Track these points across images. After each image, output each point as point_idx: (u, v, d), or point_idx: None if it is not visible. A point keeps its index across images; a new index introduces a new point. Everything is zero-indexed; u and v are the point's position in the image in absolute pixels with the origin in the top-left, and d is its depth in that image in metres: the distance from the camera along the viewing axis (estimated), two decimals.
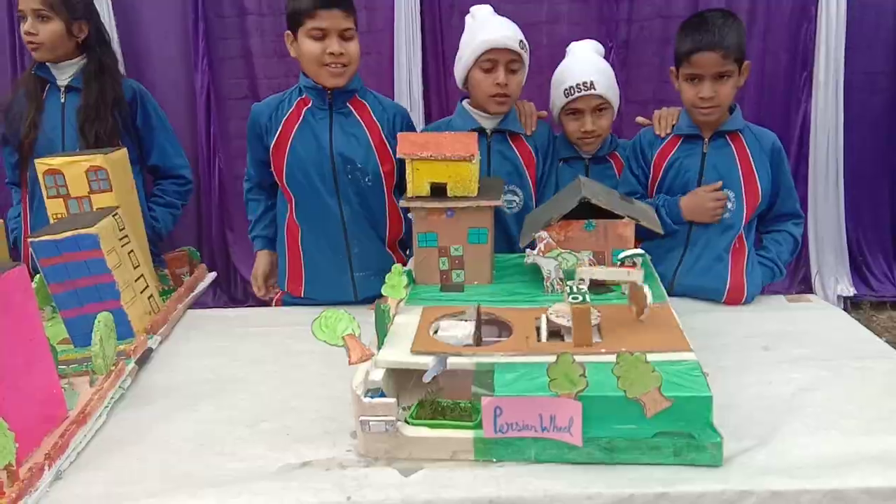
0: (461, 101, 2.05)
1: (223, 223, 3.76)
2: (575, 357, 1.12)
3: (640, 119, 2.07)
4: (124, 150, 1.91)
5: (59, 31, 2.05)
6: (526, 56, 1.93)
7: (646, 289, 1.34)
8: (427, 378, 1.24)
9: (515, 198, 2.00)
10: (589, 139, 1.98)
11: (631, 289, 1.38)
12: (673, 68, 1.86)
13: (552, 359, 1.17)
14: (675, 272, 1.87)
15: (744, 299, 1.84)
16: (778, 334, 1.61)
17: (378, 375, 1.23)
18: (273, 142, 1.90)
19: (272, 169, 1.93)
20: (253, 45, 3.53)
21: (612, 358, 1.20)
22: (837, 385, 1.37)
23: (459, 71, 1.97)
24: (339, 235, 1.92)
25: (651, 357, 1.12)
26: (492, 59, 1.88)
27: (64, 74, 2.11)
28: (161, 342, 1.66)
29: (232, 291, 3.88)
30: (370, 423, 1.16)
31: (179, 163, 2.24)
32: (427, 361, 1.25)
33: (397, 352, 1.28)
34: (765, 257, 1.93)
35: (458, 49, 1.97)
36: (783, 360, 1.48)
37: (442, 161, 1.54)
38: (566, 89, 1.96)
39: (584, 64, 1.98)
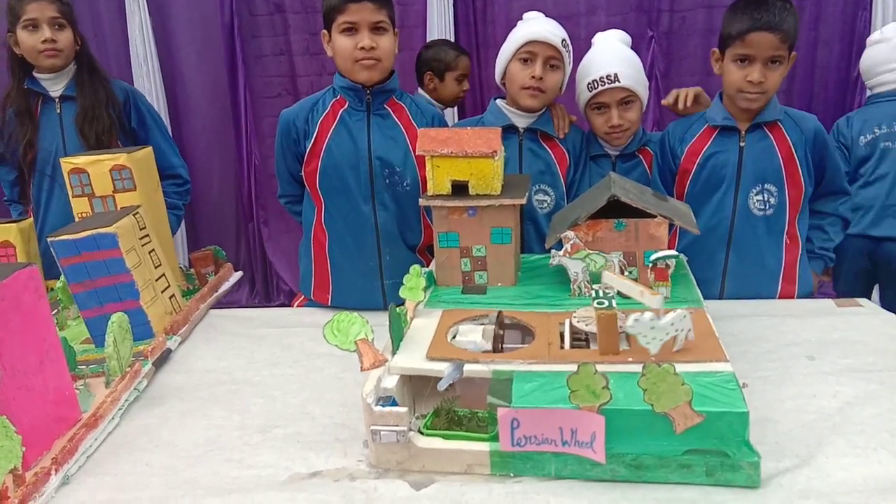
0: (494, 98, 1.99)
1: (258, 220, 3.77)
2: (599, 367, 1.04)
3: (665, 101, 1.98)
4: (149, 150, 1.91)
5: (72, 38, 2.11)
6: (567, 57, 1.87)
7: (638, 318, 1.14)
8: (442, 386, 1.18)
9: (547, 197, 1.92)
10: (616, 133, 1.89)
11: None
12: (716, 50, 1.76)
13: (573, 368, 1.10)
14: (722, 278, 1.77)
15: (796, 294, 1.74)
16: (824, 342, 1.50)
17: (391, 382, 1.18)
18: (309, 145, 1.86)
19: (303, 172, 1.89)
20: (287, 43, 3.52)
21: (639, 368, 1.13)
22: (888, 400, 1.26)
23: (499, 65, 1.93)
24: (371, 242, 1.86)
25: (683, 367, 1.04)
26: (531, 51, 1.83)
27: (57, 85, 2.15)
28: (181, 343, 1.64)
29: (269, 289, 3.90)
30: (381, 432, 1.11)
31: (176, 162, 2.24)
32: (443, 368, 1.19)
33: (412, 357, 1.23)
34: (814, 249, 1.82)
35: (492, 45, 1.93)
36: (829, 371, 1.37)
37: (463, 158, 1.47)
38: (590, 83, 1.88)
39: (608, 55, 1.89)
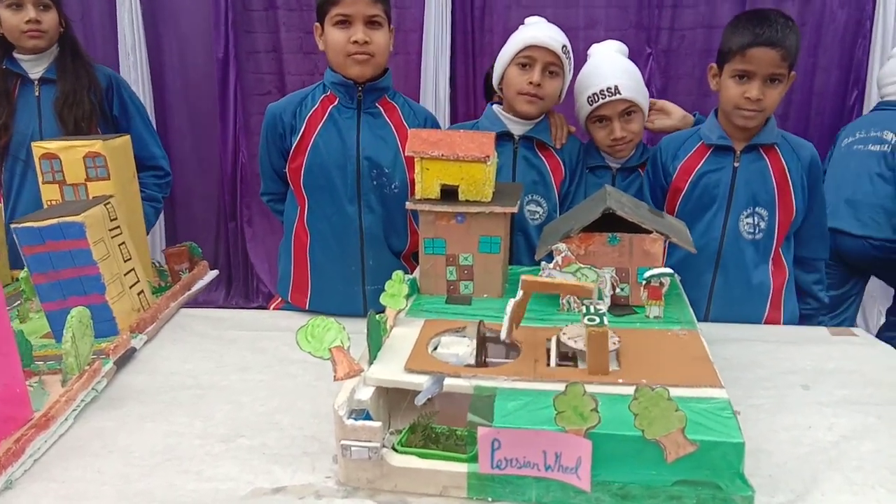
0: (491, 104, 1.93)
1: (242, 219, 3.68)
2: (588, 387, 0.98)
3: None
4: (126, 138, 1.83)
5: (56, 20, 2.04)
6: (568, 64, 1.81)
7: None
8: (419, 401, 1.11)
9: (539, 208, 1.86)
10: (620, 146, 1.84)
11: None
12: (714, 65, 1.71)
13: (561, 387, 1.03)
14: (708, 300, 1.71)
15: (782, 321, 1.69)
16: (819, 371, 1.44)
17: (365, 395, 1.10)
18: (296, 141, 1.78)
19: (287, 169, 1.81)
20: (278, 41, 3.45)
21: (630, 390, 1.07)
22: (887, 434, 1.20)
23: (497, 68, 1.87)
24: (354, 245, 1.79)
25: (675, 392, 0.98)
26: (530, 56, 1.77)
27: (37, 67, 2.08)
28: (147, 342, 1.55)
29: (248, 291, 3.80)
30: (352, 448, 1.04)
31: (157, 153, 2.16)
32: (421, 381, 1.12)
33: (389, 369, 1.16)
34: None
35: (488, 54, 1.88)
36: (825, 402, 1.31)
37: (454, 161, 1.41)
38: (590, 97, 1.83)
39: (607, 67, 1.85)
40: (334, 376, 1.12)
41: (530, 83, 1.77)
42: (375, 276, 1.77)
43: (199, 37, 3.46)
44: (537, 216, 1.87)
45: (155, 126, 3.48)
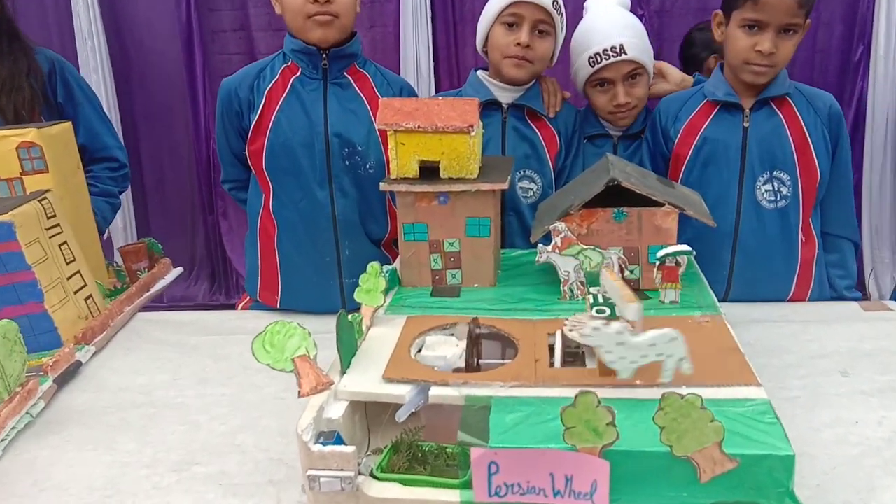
0: (475, 70, 1.74)
1: (218, 211, 3.48)
2: (600, 392, 0.81)
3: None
4: (67, 125, 1.63)
5: None
6: (560, 21, 1.62)
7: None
8: (400, 417, 0.94)
9: (533, 185, 1.68)
10: (623, 113, 1.65)
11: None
12: (719, 11, 1.52)
13: (568, 392, 0.87)
14: (728, 282, 1.54)
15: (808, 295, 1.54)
16: (856, 354, 1.28)
17: (336, 412, 0.93)
18: (255, 119, 1.59)
19: (247, 152, 1.62)
20: (246, 17, 3.23)
21: (651, 393, 0.90)
22: None
23: (481, 29, 1.66)
24: (328, 234, 1.60)
25: (703, 393, 0.81)
26: (517, 13, 1.57)
27: None
28: (95, 354, 1.37)
29: (229, 286, 3.61)
30: (321, 479, 0.86)
31: (111, 143, 1.95)
32: (403, 393, 0.95)
33: (365, 379, 0.98)
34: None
35: (469, 20, 1.66)
36: (868, 392, 1.15)
37: (433, 133, 1.22)
38: (591, 57, 1.64)
39: (609, 23, 1.65)
40: (299, 392, 0.95)
41: (518, 44, 1.57)
42: (353, 267, 1.58)
43: (160, 17, 3.23)
44: (531, 193, 1.69)
45: (119, 115, 3.30)
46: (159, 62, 3.29)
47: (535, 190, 1.68)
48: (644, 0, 3.11)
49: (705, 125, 1.56)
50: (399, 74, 2.94)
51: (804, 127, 1.51)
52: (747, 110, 1.53)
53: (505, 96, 1.66)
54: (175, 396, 1.22)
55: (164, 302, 3.40)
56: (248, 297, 1.73)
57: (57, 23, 3.20)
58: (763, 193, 1.52)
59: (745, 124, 1.53)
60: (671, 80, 1.77)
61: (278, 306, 1.64)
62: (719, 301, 1.20)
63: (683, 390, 0.90)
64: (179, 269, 1.83)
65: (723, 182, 1.55)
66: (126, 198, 3.28)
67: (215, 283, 3.57)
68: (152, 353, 1.39)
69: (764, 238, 1.53)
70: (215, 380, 1.26)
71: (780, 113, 1.53)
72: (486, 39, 1.64)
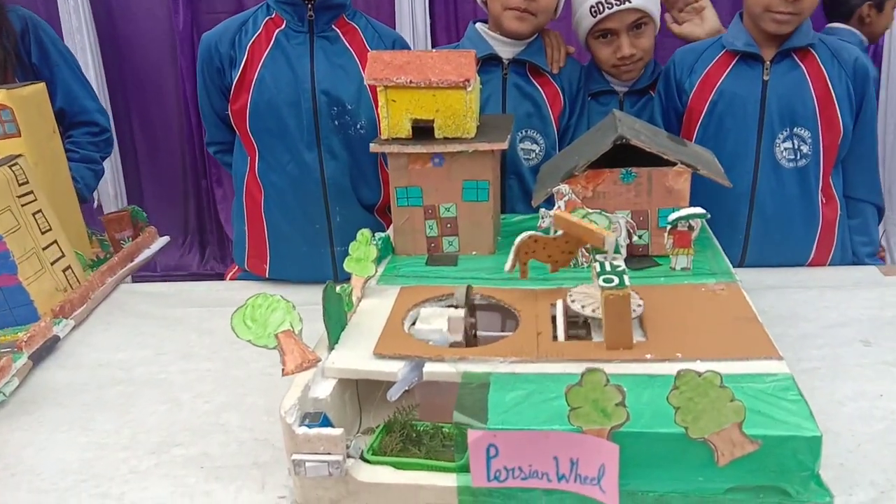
0: (473, 22, 1.64)
1: (211, 178, 3.39)
2: (608, 367, 0.74)
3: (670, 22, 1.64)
4: (41, 86, 1.54)
5: None
6: None
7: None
8: (392, 396, 0.87)
9: (535, 146, 1.59)
10: (627, 66, 1.55)
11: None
12: None
13: (573, 368, 0.80)
14: (744, 246, 1.46)
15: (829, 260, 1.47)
16: (878, 322, 1.21)
17: (323, 391, 0.87)
18: (237, 76, 1.49)
19: (230, 112, 1.53)
20: None
21: (663, 368, 0.83)
22: None
23: None
24: (317, 199, 1.52)
25: (720, 367, 0.74)
26: None
27: None
28: (74, 328, 1.30)
29: (224, 256, 3.53)
30: (307, 464, 0.80)
31: (90, 106, 1.84)
32: (395, 370, 0.88)
33: (355, 354, 0.92)
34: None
35: None
36: (893, 362, 1.08)
37: (427, 89, 1.13)
38: (593, 6, 1.53)
39: None
40: (283, 370, 0.88)
41: None
42: (344, 234, 1.49)
43: None
44: (533, 155, 1.60)
45: (105, 78, 3.19)
46: (145, 22, 3.17)
47: (537, 152, 1.60)
48: None
49: (722, 78, 1.46)
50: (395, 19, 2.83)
51: (828, 80, 1.42)
52: (768, 62, 1.43)
53: (505, 51, 1.56)
54: (157, 373, 1.15)
55: (157, 271, 3.34)
56: (237, 267, 1.66)
57: None
58: (782, 152, 1.43)
59: (765, 77, 1.43)
60: (706, 25, 1.63)
61: (267, 276, 1.56)
62: (735, 267, 1.13)
63: (698, 364, 0.84)
64: (166, 238, 1.76)
65: (740, 139, 1.46)
66: (116, 165, 3.20)
67: (209, 252, 3.49)
68: (134, 326, 1.32)
69: (783, 199, 1.45)
70: (200, 355, 1.20)
71: (802, 65, 1.43)
72: None
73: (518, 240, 1.04)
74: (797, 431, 0.73)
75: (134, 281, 3.08)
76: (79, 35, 3.01)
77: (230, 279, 1.67)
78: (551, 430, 0.75)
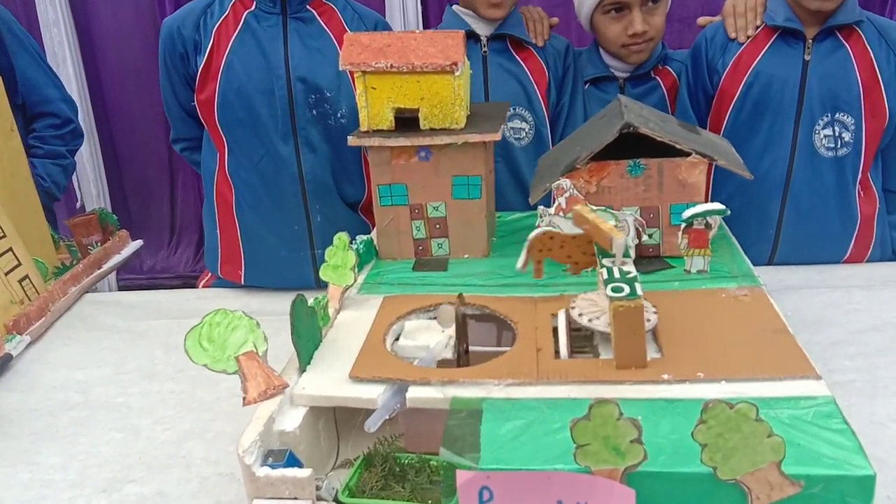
0: (450, 5, 1.52)
1: (197, 174, 3.27)
2: (618, 389, 0.65)
3: (702, 20, 1.50)
4: None
5: None
6: None
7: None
8: (371, 427, 0.76)
9: (524, 124, 1.47)
10: (638, 45, 1.42)
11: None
12: None
13: (578, 391, 0.70)
14: (774, 242, 1.34)
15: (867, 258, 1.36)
16: None
17: (291, 423, 0.75)
18: (203, 63, 1.37)
19: (196, 102, 1.41)
20: None
21: (684, 391, 0.72)
22: None
23: None
24: (295, 197, 1.40)
25: (746, 388, 0.63)
26: None
27: None
28: (30, 344, 1.19)
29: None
30: None
31: (52, 95, 1.71)
32: (373, 395, 0.77)
33: (328, 378, 0.80)
34: None
35: None
36: None
37: (410, 75, 1.02)
38: None
39: None
40: (244, 399, 0.77)
41: None
42: (326, 235, 1.36)
43: None
44: (523, 134, 1.48)
45: (84, 73, 3.07)
46: (127, 14, 3.04)
47: (526, 130, 1.48)
48: None
49: (759, 57, 1.34)
50: (384, 17, 2.70)
51: (874, 62, 1.30)
52: (810, 40, 1.31)
53: (483, 28, 1.45)
54: (115, 395, 1.04)
55: (143, 273, 3.23)
56: (210, 274, 1.54)
57: None
58: (822, 139, 1.31)
59: (806, 57, 1.31)
60: None
61: (243, 282, 1.44)
62: (763, 263, 1.01)
63: (724, 386, 0.73)
64: (139, 243, 1.64)
65: (775, 125, 1.34)
66: (97, 163, 3.08)
67: (198, 253, 3.38)
68: (96, 341, 1.21)
69: (820, 190, 1.33)
70: (164, 374, 1.09)
71: (847, 45, 1.31)
72: None
73: (532, 235, 0.93)
74: (846, 470, 0.61)
75: (118, 283, 2.97)
76: (56, 29, 2.89)
77: (202, 287, 1.54)
78: (554, 471, 0.64)
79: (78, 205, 3.04)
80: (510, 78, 1.46)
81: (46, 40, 2.87)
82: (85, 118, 2.98)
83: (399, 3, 2.81)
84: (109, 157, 3.15)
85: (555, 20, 1.53)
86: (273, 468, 0.69)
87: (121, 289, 3.12)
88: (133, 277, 3.15)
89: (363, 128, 1.06)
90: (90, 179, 3.01)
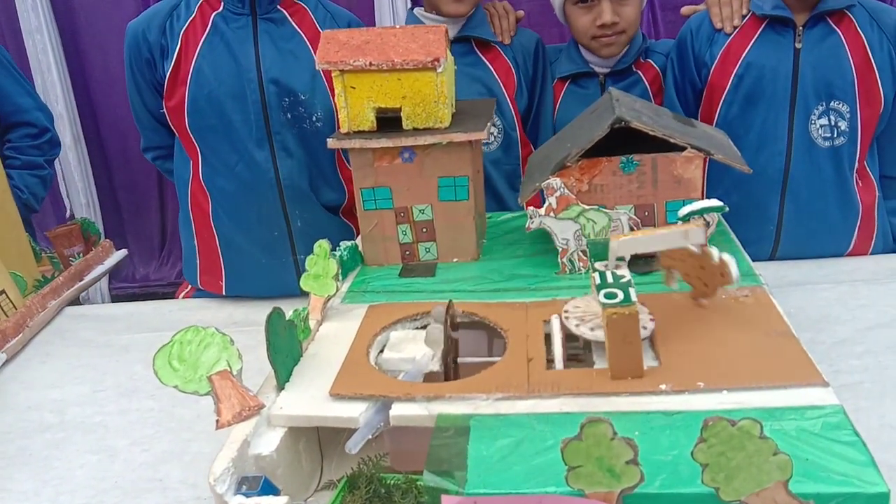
0: (411, 9, 1.49)
1: None
2: (614, 402, 0.61)
3: (686, 9, 1.45)
4: None
5: None
6: None
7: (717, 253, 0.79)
8: (352, 448, 0.71)
9: (493, 129, 1.43)
10: (608, 37, 1.37)
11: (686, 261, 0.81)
12: None
13: (571, 405, 0.68)
14: (775, 237, 1.30)
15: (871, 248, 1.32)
16: None
17: (268, 446, 0.71)
18: (170, 68, 1.32)
19: (165, 109, 1.35)
20: None
21: (683, 403, 0.68)
22: None
23: None
24: (273, 203, 1.36)
25: (748, 397, 0.58)
26: None
27: None
28: (6, 362, 1.15)
29: None
30: None
31: (26, 103, 1.67)
32: (355, 413, 0.72)
33: (308, 396, 0.76)
34: None
35: None
36: None
37: (391, 72, 0.97)
38: None
39: None
40: (217, 422, 0.72)
41: None
42: (308, 240, 1.31)
43: None
44: (491, 139, 1.44)
45: (70, 79, 3.01)
46: (112, 18, 2.99)
47: (495, 134, 1.44)
48: None
49: (749, 47, 1.29)
50: (374, 23, 2.66)
51: (867, 46, 1.25)
52: (800, 27, 1.26)
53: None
54: (92, 415, 1.00)
55: (136, 281, 3.19)
56: (191, 287, 1.49)
57: None
58: (818, 129, 1.27)
59: (797, 45, 1.26)
60: None
61: (224, 293, 1.40)
62: (765, 259, 0.97)
63: (726, 396, 0.69)
64: (123, 252, 1.60)
65: (769, 118, 1.30)
66: (86, 172, 3.04)
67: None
68: (75, 357, 1.17)
69: (819, 182, 1.29)
70: (143, 391, 1.04)
71: (838, 30, 1.26)
72: None
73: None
74: (858, 487, 0.57)
75: (111, 292, 2.92)
76: (38, 35, 2.84)
77: (182, 298, 1.49)
78: (545, 494, 0.60)
79: (67, 214, 3.00)
80: (475, 83, 1.42)
81: (30, 47, 2.82)
82: (72, 125, 2.93)
83: (388, 4, 2.76)
84: (99, 165, 3.10)
85: (520, 13, 1.48)
86: (247, 496, 0.65)
87: (113, 298, 3.09)
88: (125, 286, 3.11)
89: (343, 129, 1.01)
90: (79, 189, 2.97)
